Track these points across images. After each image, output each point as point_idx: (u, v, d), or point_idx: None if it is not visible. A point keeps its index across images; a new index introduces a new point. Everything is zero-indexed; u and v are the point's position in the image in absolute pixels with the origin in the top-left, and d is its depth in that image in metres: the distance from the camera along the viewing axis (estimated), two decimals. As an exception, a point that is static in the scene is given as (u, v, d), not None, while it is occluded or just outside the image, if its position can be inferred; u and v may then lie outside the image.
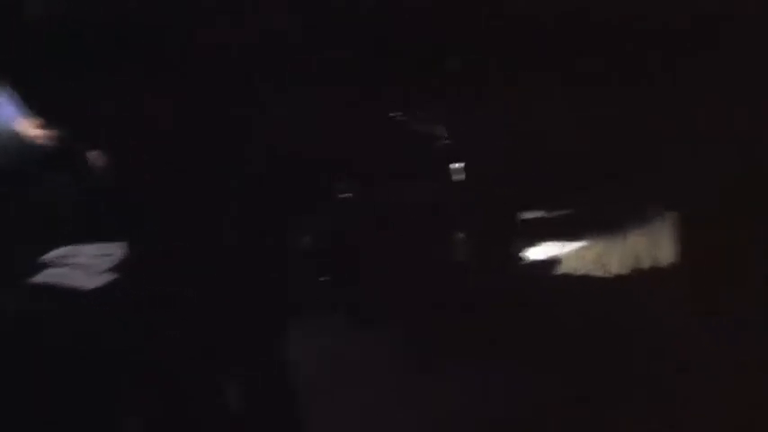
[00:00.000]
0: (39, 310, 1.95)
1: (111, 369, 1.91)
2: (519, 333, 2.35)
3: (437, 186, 2.51)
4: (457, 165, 2.47)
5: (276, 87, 2.01)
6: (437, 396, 2.25)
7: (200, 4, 1.95)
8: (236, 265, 1.95)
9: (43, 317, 1.94)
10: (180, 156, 1.92)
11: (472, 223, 2.55)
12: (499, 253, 2.59)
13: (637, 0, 2.01)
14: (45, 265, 2.04)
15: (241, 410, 2.01)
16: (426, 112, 2.41)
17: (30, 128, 2.09)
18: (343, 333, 2.49)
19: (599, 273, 2.57)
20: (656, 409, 2.05)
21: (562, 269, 2.61)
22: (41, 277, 2.01)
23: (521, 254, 2.63)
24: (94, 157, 2.08)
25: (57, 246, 2.08)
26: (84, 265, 2.04)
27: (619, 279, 2.54)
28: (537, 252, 2.65)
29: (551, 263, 2.62)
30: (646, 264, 2.51)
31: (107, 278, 2.00)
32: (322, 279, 2.52)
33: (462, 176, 2.50)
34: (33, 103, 1.99)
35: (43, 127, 2.07)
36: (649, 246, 2.52)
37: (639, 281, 2.50)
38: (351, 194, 2.44)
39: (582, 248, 2.64)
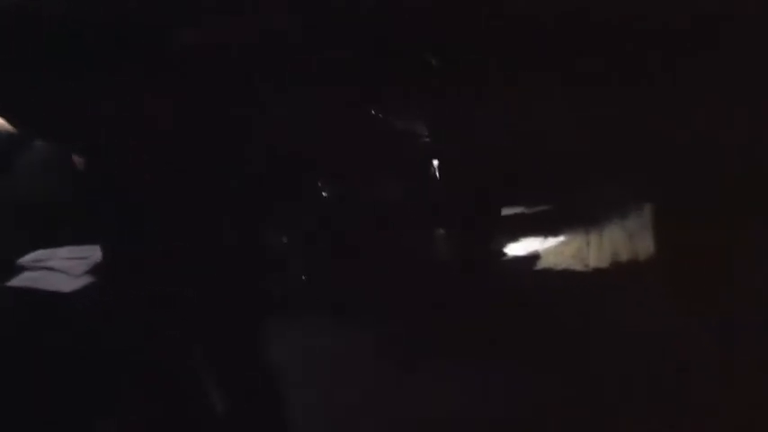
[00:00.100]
0: (16, 314, 1.95)
1: (93, 371, 1.90)
2: (500, 329, 2.36)
3: (418, 183, 2.52)
4: (437, 161, 2.48)
5: (266, 85, 2.01)
6: (420, 394, 2.25)
7: (200, 3, 1.95)
8: (216, 263, 1.95)
9: (22, 320, 1.93)
10: (159, 156, 1.91)
11: (453, 219, 2.55)
12: (480, 249, 2.60)
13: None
14: (21, 269, 2.04)
15: (225, 410, 2.00)
16: (406, 109, 2.41)
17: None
18: (326, 332, 2.49)
19: (578, 267, 2.58)
20: (636, 404, 2.06)
21: (542, 264, 2.62)
22: (18, 281, 2.00)
23: (501, 249, 2.63)
24: (77, 158, 2.07)
25: (32, 248, 2.07)
26: (60, 268, 2.03)
27: (598, 273, 2.55)
28: (517, 248, 2.66)
29: (531, 258, 2.63)
30: (624, 258, 2.52)
31: (85, 281, 2.00)
32: (304, 277, 2.52)
33: (443, 173, 2.50)
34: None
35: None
36: (628, 240, 2.53)
37: (618, 275, 2.50)
38: (332, 192, 2.44)
39: (561, 244, 2.65)
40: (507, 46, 2.16)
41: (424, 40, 2.16)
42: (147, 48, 1.85)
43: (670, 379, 2.11)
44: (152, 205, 1.90)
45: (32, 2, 1.84)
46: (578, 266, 2.60)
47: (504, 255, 2.67)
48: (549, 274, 2.61)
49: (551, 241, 2.68)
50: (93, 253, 2.01)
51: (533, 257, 2.65)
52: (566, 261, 2.61)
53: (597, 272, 2.54)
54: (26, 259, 2.06)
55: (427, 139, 2.50)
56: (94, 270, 2.00)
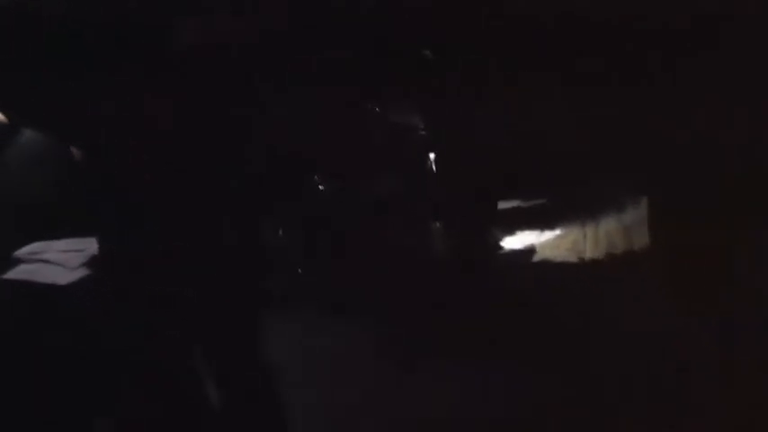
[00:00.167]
0: (12, 307, 1.94)
1: (88, 365, 1.90)
2: (497, 323, 2.36)
3: (415, 179, 2.51)
4: (433, 155, 2.48)
5: (265, 85, 2.01)
6: (418, 391, 2.25)
7: (200, 3, 1.95)
8: (213, 258, 1.94)
9: (17, 313, 1.93)
10: (157, 151, 1.91)
11: (449, 214, 2.55)
12: (477, 243, 2.59)
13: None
14: (17, 262, 2.03)
15: (223, 408, 2.00)
16: (405, 106, 2.41)
17: None
18: (324, 331, 2.49)
19: (575, 260, 2.57)
20: (633, 399, 2.06)
21: (538, 258, 2.61)
22: (13, 273, 2.00)
23: (498, 243, 2.63)
24: (75, 151, 2.07)
25: (28, 241, 2.07)
26: (56, 260, 2.03)
27: (594, 266, 2.55)
28: (513, 241, 2.65)
29: (528, 252, 2.62)
30: (621, 252, 2.52)
31: (81, 274, 1.99)
32: (300, 271, 2.51)
33: (439, 168, 2.50)
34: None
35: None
36: (625, 234, 2.52)
37: (615, 269, 2.50)
38: (330, 190, 2.43)
39: (557, 237, 2.64)
40: (507, 45, 2.16)
41: (424, 40, 2.16)
42: (147, 48, 1.86)
43: (668, 374, 2.11)
44: (149, 199, 1.91)
45: (32, 2, 1.85)
46: (575, 259, 2.59)
47: (501, 248, 2.66)
48: (546, 267, 2.61)
49: (548, 235, 2.67)
50: (90, 246, 2.00)
51: (530, 251, 2.64)
52: (562, 254, 2.61)
53: (594, 265, 2.54)
54: (22, 252, 2.05)
55: (424, 134, 2.49)
56: (91, 263, 2.00)
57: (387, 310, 2.48)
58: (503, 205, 2.64)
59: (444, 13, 2.08)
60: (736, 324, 2.06)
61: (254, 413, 2.00)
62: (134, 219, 1.90)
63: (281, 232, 2.51)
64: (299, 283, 2.54)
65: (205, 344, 2.00)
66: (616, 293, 2.40)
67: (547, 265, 2.60)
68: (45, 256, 2.04)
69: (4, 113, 2.03)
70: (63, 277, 1.97)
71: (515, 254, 2.65)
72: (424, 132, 2.48)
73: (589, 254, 2.55)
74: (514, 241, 2.66)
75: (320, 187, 2.46)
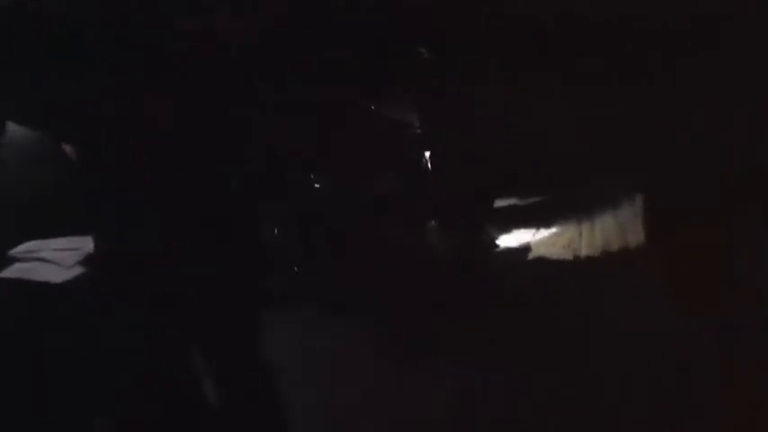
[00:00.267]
0: (7, 305, 1.94)
1: (85, 363, 1.89)
2: (495, 320, 2.36)
3: (412, 178, 2.52)
4: (431, 155, 2.48)
5: (265, 85, 2.01)
6: (416, 389, 2.26)
7: (200, 3, 1.95)
8: (210, 256, 1.94)
9: (12, 311, 1.92)
10: (153, 150, 1.91)
11: (447, 212, 2.55)
12: (474, 241, 2.60)
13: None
14: (13, 260, 2.03)
15: (222, 407, 2.00)
16: (403, 105, 2.41)
17: None
18: (324, 331, 2.49)
19: (570, 258, 2.58)
20: (630, 395, 2.07)
21: (534, 255, 2.62)
22: (9, 272, 2.00)
23: (495, 241, 2.64)
24: (67, 149, 2.06)
25: (24, 240, 2.06)
26: (52, 259, 2.03)
27: (589, 264, 2.56)
28: (510, 239, 2.66)
29: (524, 249, 2.63)
30: (616, 249, 2.53)
31: (76, 272, 1.99)
32: (297, 271, 2.52)
33: (436, 166, 2.50)
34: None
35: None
36: (620, 231, 2.53)
37: (610, 266, 2.51)
38: (326, 185, 2.43)
39: (553, 234, 2.65)
40: (506, 45, 2.16)
41: (424, 40, 2.16)
42: (147, 48, 1.85)
43: (665, 372, 2.11)
44: (146, 198, 1.90)
45: (32, 2, 1.84)
46: (570, 257, 2.60)
47: (499, 247, 2.66)
48: (543, 264, 2.62)
49: (544, 232, 2.68)
50: (85, 244, 2.00)
51: (526, 248, 2.65)
52: (558, 252, 2.61)
53: (589, 262, 2.54)
54: (17, 250, 2.05)
55: (422, 134, 2.50)
56: (86, 261, 1.99)
57: (385, 309, 2.49)
58: (500, 204, 2.64)
59: (444, 12, 2.08)
60: (733, 322, 2.07)
61: (253, 412, 2.00)
62: (131, 218, 1.90)
63: (277, 231, 2.51)
64: (297, 282, 2.55)
65: (204, 343, 2.00)
66: (612, 291, 2.40)
67: (543, 262, 2.60)
68: (41, 255, 2.04)
69: (2, 112, 2.03)
70: (58, 275, 1.97)
71: (512, 252, 2.66)
72: (421, 132, 2.48)
73: (585, 251, 2.55)
74: (511, 240, 2.67)
75: (317, 185, 2.45)
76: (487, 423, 2.12)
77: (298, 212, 2.50)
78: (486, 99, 2.25)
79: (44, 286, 1.94)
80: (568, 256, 2.61)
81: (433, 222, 2.63)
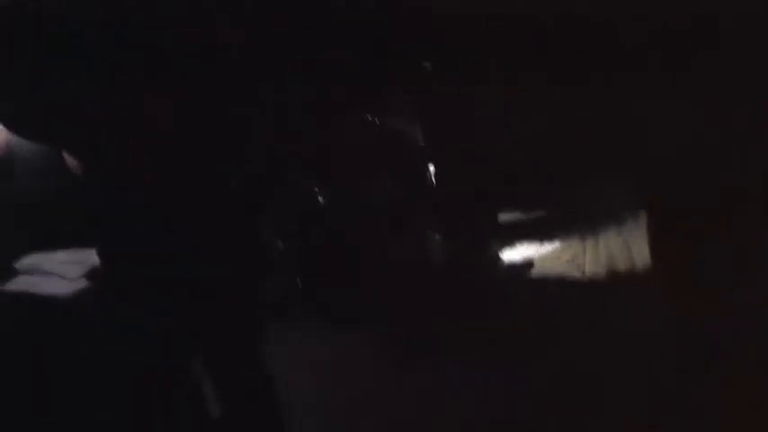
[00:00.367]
0: (12, 318, 1.95)
1: (90, 375, 1.90)
2: (497, 333, 2.36)
3: (414, 187, 2.52)
4: (434, 165, 2.48)
5: (265, 86, 2.01)
6: (417, 395, 2.26)
7: (200, 3, 1.95)
8: (213, 267, 1.95)
9: (18, 324, 1.93)
10: (156, 160, 1.91)
11: (450, 223, 2.55)
12: (477, 253, 2.60)
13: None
14: (17, 273, 2.04)
15: (224, 414, 2.00)
16: (404, 110, 2.41)
17: None
18: (325, 333, 2.49)
19: (574, 273, 2.58)
20: (634, 409, 2.07)
21: (537, 269, 2.62)
22: (14, 284, 2.00)
23: (497, 253, 2.63)
24: (70, 160, 2.07)
25: (29, 252, 2.07)
26: (56, 271, 2.04)
27: (594, 279, 2.55)
28: (513, 253, 2.66)
29: (527, 263, 2.63)
30: (620, 264, 2.53)
31: (81, 285, 2.00)
32: (299, 280, 2.52)
33: (439, 177, 2.50)
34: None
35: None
36: (624, 246, 2.53)
37: (614, 281, 2.51)
38: (329, 194, 2.43)
39: (557, 249, 2.65)
40: (507, 46, 2.15)
41: (424, 40, 2.16)
42: (148, 49, 1.85)
43: (665, 384, 2.11)
44: (149, 209, 1.91)
45: (32, 2, 1.85)
46: (574, 272, 2.60)
47: (500, 259, 2.66)
48: (545, 279, 2.62)
49: (547, 247, 2.68)
50: (90, 257, 2.01)
51: (529, 263, 2.65)
52: (561, 266, 2.61)
53: (593, 277, 2.54)
54: (22, 263, 2.06)
55: (424, 143, 2.50)
56: (91, 274, 2.00)
57: (386, 313, 2.48)
58: (503, 217, 2.64)
59: (444, 12, 2.08)
60: (737, 335, 2.06)
61: (253, 414, 2.00)
62: (134, 228, 1.90)
63: (281, 238, 2.51)
64: (299, 287, 2.55)
65: (205, 348, 2.00)
66: (615, 304, 2.40)
67: (546, 276, 2.60)
68: (45, 267, 2.05)
69: (3, 123, 2.03)
70: (63, 288, 1.98)
71: (515, 265, 2.66)
72: (424, 142, 2.48)
73: (588, 266, 2.55)
74: (514, 253, 2.66)
75: (317, 191, 2.45)
76: (487, 424, 2.13)
77: (299, 219, 2.50)
78: (489, 108, 2.25)
79: (49, 299, 1.95)
80: (572, 270, 2.60)
81: (435, 232, 2.63)
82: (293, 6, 2.04)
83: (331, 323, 2.53)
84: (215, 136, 1.93)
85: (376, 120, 2.40)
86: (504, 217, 2.65)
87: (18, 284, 1.99)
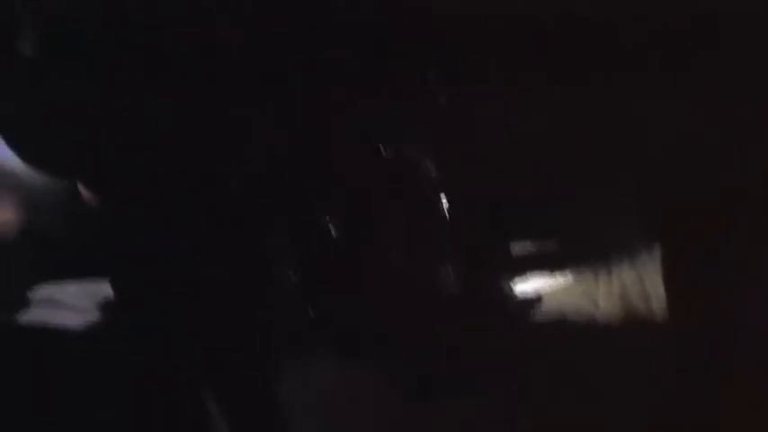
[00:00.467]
0: (24, 349, 1.95)
1: (101, 407, 1.90)
2: (508, 369, 2.35)
3: (426, 218, 2.50)
4: (446, 196, 2.46)
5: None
6: (428, 428, 2.25)
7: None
8: (225, 299, 1.96)
9: (30, 357, 1.93)
10: (167, 191, 1.92)
11: (462, 257, 2.54)
12: (489, 286, 2.58)
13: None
14: (29, 304, 2.04)
15: None
16: (414, 139, 2.39)
17: None
18: (334, 368, 2.49)
19: (588, 307, 2.56)
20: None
21: (551, 302, 2.60)
22: (26, 316, 2.01)
23: (511, 287, 2.62)
24: (84, 191, 2.08)
25: (41, 284, 2.07)
26: (68, 303, 2.04)
27: (607, 313, 2.54)
28: (525, 286, 2.64)
29: (539, 296, 2.61)
30: (635, 297, 2.51)
31: (93, 317, 2.00)
32: (311, 311, 2.51)
33: (452, 208, 2.48)
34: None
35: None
36: (638, 279, 2.52)
37: (629, 315, 2.50)
38: (340, 224, 2.42)
39: (569, 282, 2.63)
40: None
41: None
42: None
43: (681, 419, 2.10)
44: (162, 241, 1.92)
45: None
46: (587, 306, 2.59)
47: (513, 291, 2.64)
48: (558, 311, 2.60)
49: (560, 279, 2.65)
50: (102, 288, 2.02)
51: (541, 295, 2.63)
52: (575, 299, 2.59)
53: (606, 311, 2.53)
54: (34, 294, 2.06)
55: (436, 173, 2.47)
56: (103, 306, 2.01)
57: (399, 351, 2.47)
58: (515, 250, 2.62)
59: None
60: (757, 370, 2.05)
61: None
62: (147, 261, 1.91)
63: (291, 270, 2.49)
64: (308, 318, 2.53)
65: (217, 383, 2.01)
66: (629, 340, 2.39)
67: (559, 310, 2.59)
68: (58, 299, 2.05)
69: (19, 155, 2.04)
70: (75, 320, 1.99)
71: (527, 298, 2.64)
72: (436, 172, 2.46)
73: (602, 301, 2.53)
74: (527, 286, 2.64)
75: (328, 220, 2.44)
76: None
77: (310, 249, 2.48)
78: (503, 139, 2.24)
79: (61, 331, 1.96)
80: (586, 303, 2.59)
81: (447, 264, 2.60)
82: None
83: (341, 353, 2.52)
84: (227, 166, 1.94)
85: (388, 150, 2.39)
86: (517, 249, 2.63)
87: (31, 316, 2.00)
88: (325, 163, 2.19)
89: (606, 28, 2.01)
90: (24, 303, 2.01)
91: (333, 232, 2.39)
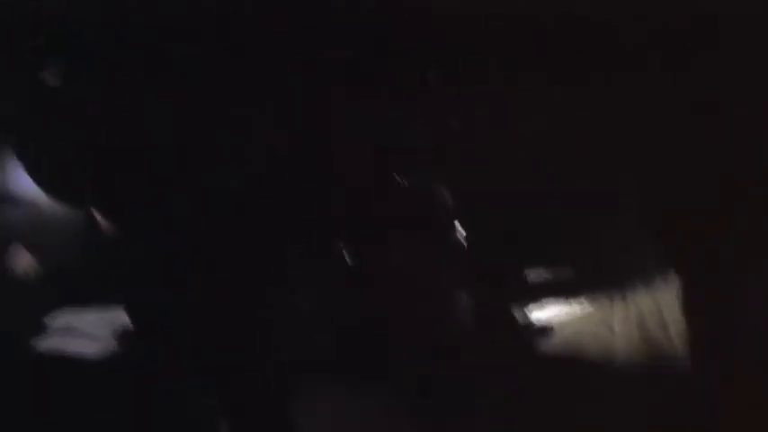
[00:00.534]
0: (42, 378, 1.96)
1: None
2: (525, 397, 2.35)
3: (442, 247, 2.49)
4: (461, 224, 2.45)
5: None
6: None
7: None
8: (241, 328, 1.97)
9: (47, 384, 1.94)
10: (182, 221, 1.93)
11: (478, 284, 2.52)
12: (505, 314, 2.56)
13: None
14: (47, 332, 2.05)
15: None
16: (428, 166, 2.39)
17: None
18: (351, 397, 2.47)
19: (605, 334, 2.54)
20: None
21: (567, 330, 2.58)
22: (43, 344, 2.01)
23: (525, 314, 2.60)
24: (100, 219, 2.09)
25: (57, 311, 2.08)
26: (85, 332, 2.05)
27: (624, 340, 2.52)
28: (541, 313, 2.62)
29: (556, 323, 2.59)
30: (651, 325, 2.49)
31: (110, 345, 2.01)
32: (328, 339, 2.50)
33: (467, 236, 2.47)
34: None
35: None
36: (655, 307, 2.50)
37: (645, 343, 2.48)
38: (356, 254, 2.42)
39: (586, 309, 2.60)
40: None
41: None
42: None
43: None
44: (178, 270, 1.93)
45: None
46: (603, 332, 2.57)
47: (529, 318, 2.62)
48: (575, 338, 2.58)
49: (576, 307, 2.63)
50: (119, 317, 2.02)
51: (558, 322, 2.61)
52: (591, 326, 2.58)
53: (623, 338, 2.51)
54: (52, 322, 2.07)
55: (451, 201, 2.47)
56: (120, 334, 2.02)
57: (416, 379, 2.46)
58: (532, 277, 2.60)
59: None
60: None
61: None
62: (164, 289, 1.93)
63: (308, 301, 2.48)
64: (328, 346, 2.52)
65: (234, 414, 2.02)
66: (647, 364, 2.37)
67: (576, 337, 2.57)
68: (75, 327, 2.05)
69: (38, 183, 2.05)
70: (91, 348, 1.99)
71: (544, 326, 2.62)
72: (451, 201, 2.46)
73: (618, 327, 2.52)
74: (543, 314, 2.62)
75: (342, 248, 2.43)
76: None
77: (327, 279, 2.48)
78: (518, 168, 2.24)
79: (77, 359, 1.97)
80: (602, 331, 2.57)
81: (462, 292, 2.58)
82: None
83: (359, 381, 2.50)
84: (247, 190, 1.95)
85: (404, 179, 2.38)
86: (533, 276, 2.61)
87: (49, 344, 2.00)
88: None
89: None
90: (42, 331, 2.02)
91: (347, 259, 2.38)
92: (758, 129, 1.99)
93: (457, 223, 2.42)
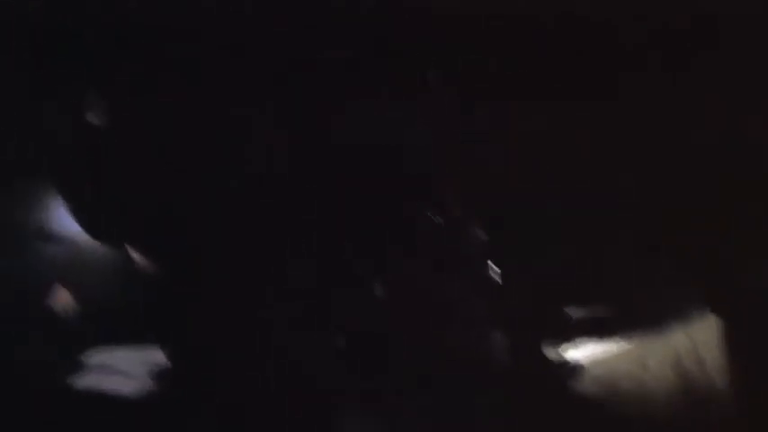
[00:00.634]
0: (78, 415, 1.97)
1: None
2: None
3: (474, 283, 2.47)
4: (494, 261, 2.44)
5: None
6: None
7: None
8: (271, 361, 1.98)
9: (83, 422, 1.95)
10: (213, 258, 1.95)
11: (512, 322, 2.51)
12: (540, 352, 2.55)
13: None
14: (83, 370, 2.05)
15: None
16: (459, 205, 2.38)
17: None
18: (376, 425, 2.46)
19: (641, 374, 2.52)
20: None
21: (602, 369, 2.56)
22: (80, 382, 2.02)
23: (561, 353, 2.57)
24: (138, 257, 2.11)
25: (92, 349, 2.08)
26: (121, 369, 2.05)
27: (661, 379, 2.50)
28: (575, 352, 2.59)
29: (590, 363, 2.57)
30: (689, 365, 2.48)
31: (145, 383, 2.02)
32: (354, 370, 2.49)
33: (500, 273, 2.46)
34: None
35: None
36: (692, 346, 2.48)
37: (680, 382, 2.47)
38: (386, 286, 2.40)
39: (622, 347, 2.58)
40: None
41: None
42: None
43: None
44: (208, 307, 1.94)
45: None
46: (640, 371, 2.55)
47: (563, 358, 2.60)
48: (610, 377, 2.57)
49: (611, 345, 2.61)
50: (154, 354, 2.03)
51: (592, 361, 2.59)
52: (626, 365, 2.56)
53: (659, 377, 2.50)
54: (88, 360, 2.07)
55: (485, 240, 2.46)
56: (156, 373, 2.02)
57: (447, 415, 2.45)
58: (566, 315, 2.59)
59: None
60: None
61: None
62: (196, 326, 1.95)
63: (334, 335, 2.47)
64: (353, 377, 2.51)
65: None
66: (684, 404, 2.36)
67: (611, 374, 2.56)
68: (110, 364, 2.06)
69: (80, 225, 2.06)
70: (127, 386, 2.00)
71: (579, 365, 2.60)
72: (484, 237, 2.45)
73: (654, 366, 2.50)
74: (577, 353, 2.60)
75: (371, 279, 2.41)
76: None
77: (355, 310, 2.47)
78: (548, 205, 2.24)
79: (112, 397, 1.98)
80: (638, 370, 2.55)
81: (496, 329, 2.56)
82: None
83: (385, 415, 2.49)
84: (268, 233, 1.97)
85: (437, 215, 2.38)
86: (567, 314, 2.60)
87: (85, 381, 2.01)
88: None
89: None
90: (79, 369, 2.03)
91: (377, 294, 2.37)
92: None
93: (490, 262, 2.41)
